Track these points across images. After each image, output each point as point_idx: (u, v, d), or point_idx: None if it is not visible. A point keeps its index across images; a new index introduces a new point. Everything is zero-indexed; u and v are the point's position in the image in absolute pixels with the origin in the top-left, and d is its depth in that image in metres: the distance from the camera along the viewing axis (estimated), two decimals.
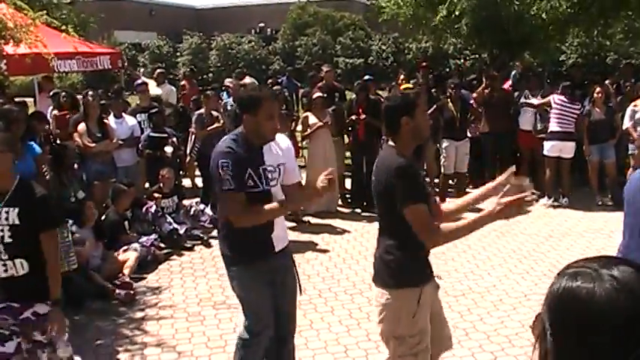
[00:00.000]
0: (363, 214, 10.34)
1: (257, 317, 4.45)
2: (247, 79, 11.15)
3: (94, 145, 9.36)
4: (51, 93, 12.13)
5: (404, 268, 3.88)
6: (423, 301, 3.87)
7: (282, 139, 4.51)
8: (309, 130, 10.45)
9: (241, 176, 4.17)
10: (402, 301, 3.87)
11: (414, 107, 3.90)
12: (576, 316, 1.34)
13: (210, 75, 30.78)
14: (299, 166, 10.02)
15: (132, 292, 7.32)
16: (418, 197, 3.75)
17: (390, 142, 3.95)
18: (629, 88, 11.36)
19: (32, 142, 7.23)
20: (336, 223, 10.00)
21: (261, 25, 39.73)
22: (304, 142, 11.32)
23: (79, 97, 11.37)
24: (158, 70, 13.82)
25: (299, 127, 11.56)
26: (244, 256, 4.35)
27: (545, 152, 10.73)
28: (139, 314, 6.89)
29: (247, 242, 4.33)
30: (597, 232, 9.33)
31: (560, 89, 10.82)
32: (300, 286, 4.67)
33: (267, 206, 4.22)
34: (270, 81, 16.25)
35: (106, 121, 9.83)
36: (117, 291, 7.24)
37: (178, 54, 34.72)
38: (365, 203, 10.37)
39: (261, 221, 4.24)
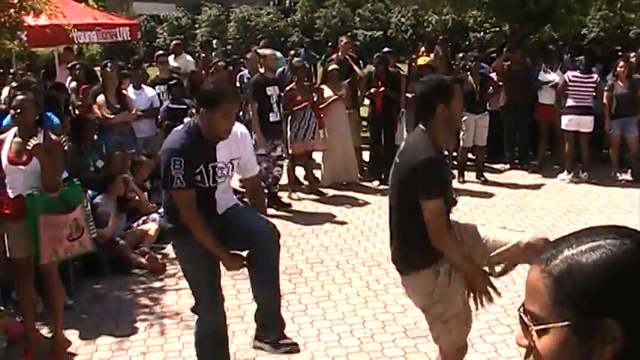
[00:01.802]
0: (381, 187, 10.35)
1: (198, 293, 4.53)
2: (268, 51, 11.07)
3: (112, 116, 9.38)
4: (69, 65, 12.16)
5: (417, 252, 3.93)
6: (441, 280, 3.91)
7: (238, 129, 4.35)
8: (324, 104, 10.43)
9: (192, 173, 4.16)
10: (422, 280, 3.95)
11: (451, 96, 3.81)
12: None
13: (229, 47, 30.66)
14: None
15: (161, 261, 7.42)
16: (439, 193, 3.74)
17: (422, 126, 3.90)
18: (635, 59, 11.21)
19: (50, 113, 7.28)
20: (355, 195, 10.01)
21: None
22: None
23: (97, 68, 11.39)
24: (174, 42, 13.75)
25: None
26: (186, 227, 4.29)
27: (563, 126, 10.65)
28: (158, 284, 6.96)
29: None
30: (616, 208, 9.29)
31: (573, 64, 10.73)
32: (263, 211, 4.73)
33: (212, 241, 4.21)
34: (291, 52, 16.19)
35: (124, 92, 9.84)
36: (143, 261, 7.33)
37: (197, 26, 34.66)
38: (383, 176, 10.37)
39: (198, 237, 4.20)
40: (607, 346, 1.19)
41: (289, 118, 9.87)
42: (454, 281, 3.90)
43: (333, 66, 10.75)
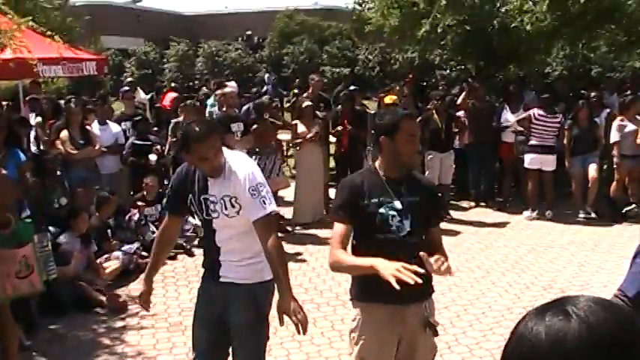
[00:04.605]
0: None
1: (192, 341, 4.45)
2: (228, 89, 11.10)
3: (76, 151, 9.30)
4: (27, 99, 12.05)
5: (353, 280, 3.90)
6: (363, 320, 3.86)
7: (240, 170, 4.05)
8: (298, 140, 10.43)
9: (177, 199, 4.26)
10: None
11: (395, 129, 3.75)
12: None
13: (197, 82, 30.67)
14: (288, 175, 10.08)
15: (121, 300, 7.29)
16: (338, 213, 3.79)
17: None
18: (595, 100, 11.43)
19: (17, 149, 7.20)
20: (321, 233, 9.96)
21: (249, 32, 39.65)
22: (291, 151, 11.32)
23: (62, 101, 11.32)
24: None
25: (286, 137, 11.55)
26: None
27: (526, 165, 10.78)
28: (120, 324, 6.84)
29: (204, 256, 4.45)
30: (580, 245, 9.35)
31: (540, 103, 10.90)
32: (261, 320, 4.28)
33: (149, 262, 4.49)
34: (255, 89, 16.22)
35: (88, 127, 9.79)
36: (105, 300, 7.21)
37: (165, 60, 34.64)
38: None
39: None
40: None
41: (254, 156, 9.87)
42: (362, 326, 3.87)
43: (307, 102, 10.76)
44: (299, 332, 3.89)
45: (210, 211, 4.11)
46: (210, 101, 14.48)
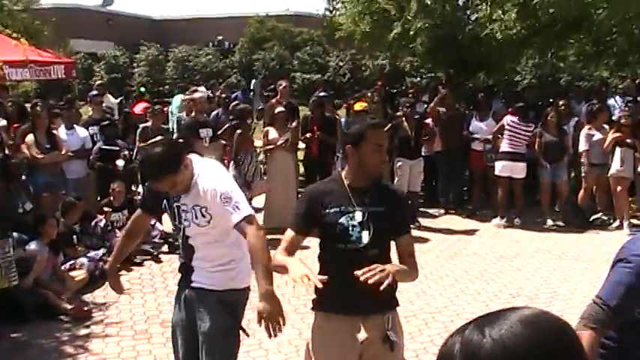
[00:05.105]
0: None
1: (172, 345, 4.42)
2: (197, 94, 11.03)
3: (42, 156, 9.17)
4: None
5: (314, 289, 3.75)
6: (320, 330, 3.84)
7: (209, 180, 3.99)
8: (270, 146, 10.40)
9: (152, 198, 4.28)
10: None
11: (360, 138, 3.70)
12: None
13: (167, 87, 30.44)
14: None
15: (86, 309, 7.18)
16: (293, 220, 3.80)
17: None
18: (563, 108, 11.53)
19: None
20: None
21: (219, 37, 39.44)
22: (261, 156, 11.28)
23: (28, 105, 11.17)
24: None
25: (257, 142, 11.49)
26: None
27: (496, 172, 10.82)
28: (84, 331, 6.73)
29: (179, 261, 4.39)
30: (548, 253, 9.39)
31: (514, 110, 10.94)
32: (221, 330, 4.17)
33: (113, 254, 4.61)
34: (224, 95, 16.13)
35: (55, 132, 9.65)
36: (69, 308, 7.08)
37: (135, 65, 34.37)
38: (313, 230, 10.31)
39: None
40: None
41: (233, 163, 9.85)
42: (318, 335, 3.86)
43: (280, 108, 10.72)
44: (269, 336, 3.70)
45: (182, 219, 4.09)
46: (175, 102, 14.42)
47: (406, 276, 3.68)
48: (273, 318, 3.68)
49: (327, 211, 3.69)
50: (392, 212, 3.73)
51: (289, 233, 3.76)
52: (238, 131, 9.96)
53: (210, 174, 4.04)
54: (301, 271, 3.31)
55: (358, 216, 3.65)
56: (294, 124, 10.66)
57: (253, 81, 27.73)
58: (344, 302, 3.59)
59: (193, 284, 4.15)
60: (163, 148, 3.96)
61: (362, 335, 3.70)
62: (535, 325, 1.28)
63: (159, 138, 10.06)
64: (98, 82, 13.61)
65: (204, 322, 4.09)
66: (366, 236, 3.64)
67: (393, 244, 3.82)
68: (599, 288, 2.94)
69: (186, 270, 4.22)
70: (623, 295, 2.82)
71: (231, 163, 9.97)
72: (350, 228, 3.66)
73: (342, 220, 3.66)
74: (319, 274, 3.55)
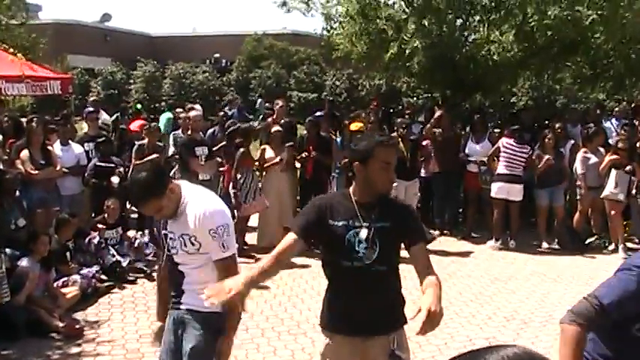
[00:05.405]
0: (314, 251, 10.22)
1: None
2: (193, 112, 11.04)
3: (36, 172, 9.13)
4: None
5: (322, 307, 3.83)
6: (326, 349, 3.82)
7: (199, 210, 3.92)
8: (266, 164, 10.40)
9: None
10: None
11: (368, 156, 3.67)
12: None
13: (163, 104, 30.45)
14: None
15: (78, 327, 7.11)
16: (297, 224, 3.76)
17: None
18: (559, 131, 11.51)
19: None
20: None
21: (216, 55, 39.58)
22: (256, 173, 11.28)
23: (24, 120, 11.14)
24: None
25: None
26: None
27: (492, 194, 10.81)
28: (75, 350, 6.67)
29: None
30: (543, 276, 9.36)
31: (510, 133, 10.93)
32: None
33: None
34: (221, 113, 16.11)
35: (50, 148, 9.62)
36: (61, 325, 7.02)
37: (132, 81, 34.40)
38: (312, 240, 10.27)
39: None
40: None
41: (234, 181, 9.86)
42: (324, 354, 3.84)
43: (276, 127, 10.72)
44: None
45: (170, 247, 4.06)
46: (162, 120, 14.37)
47: (439, 291, 3.48)
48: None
49: (335, 223, 3.68)
50: (399, 226, 3.68)
51: (289, 237, 3.70)
52: (241, 150, 9.96)
53: (200, 203, 3.98)
54: (236, 284, 3.33)
55: (364, 233, 3.62)
56: (291, 143, 10.67)
57: (259, 100, 27.80)
58: (347, 323, 3.59)
59: (183, 306, 4.12)
60: (149, 172, 3.90)
61: (364, 357, 3.71)
62: None
63: (154, 156, 10.06)
64: (92, 99, 13.59)
65: (186, 342, 4.08)
66: (374, 253, 3.61)
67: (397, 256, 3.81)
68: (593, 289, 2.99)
69: (176, 291, 4.17)
70: (619, 297, 2.88)
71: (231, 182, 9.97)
72: (356, 244, 3.63)
73: (349, 235, 3.64)
74: (327, 291, 3.69)
